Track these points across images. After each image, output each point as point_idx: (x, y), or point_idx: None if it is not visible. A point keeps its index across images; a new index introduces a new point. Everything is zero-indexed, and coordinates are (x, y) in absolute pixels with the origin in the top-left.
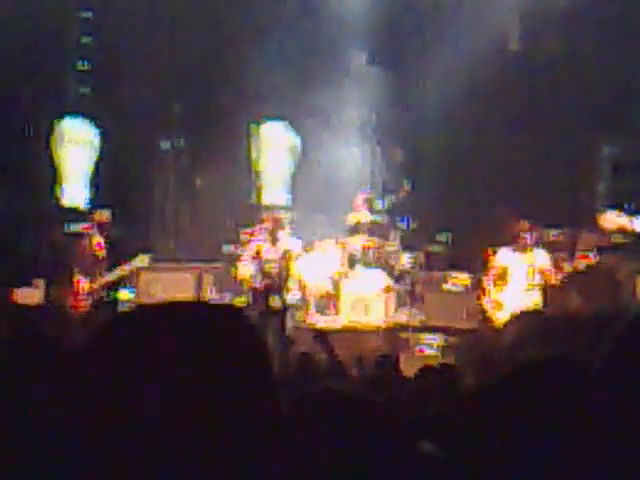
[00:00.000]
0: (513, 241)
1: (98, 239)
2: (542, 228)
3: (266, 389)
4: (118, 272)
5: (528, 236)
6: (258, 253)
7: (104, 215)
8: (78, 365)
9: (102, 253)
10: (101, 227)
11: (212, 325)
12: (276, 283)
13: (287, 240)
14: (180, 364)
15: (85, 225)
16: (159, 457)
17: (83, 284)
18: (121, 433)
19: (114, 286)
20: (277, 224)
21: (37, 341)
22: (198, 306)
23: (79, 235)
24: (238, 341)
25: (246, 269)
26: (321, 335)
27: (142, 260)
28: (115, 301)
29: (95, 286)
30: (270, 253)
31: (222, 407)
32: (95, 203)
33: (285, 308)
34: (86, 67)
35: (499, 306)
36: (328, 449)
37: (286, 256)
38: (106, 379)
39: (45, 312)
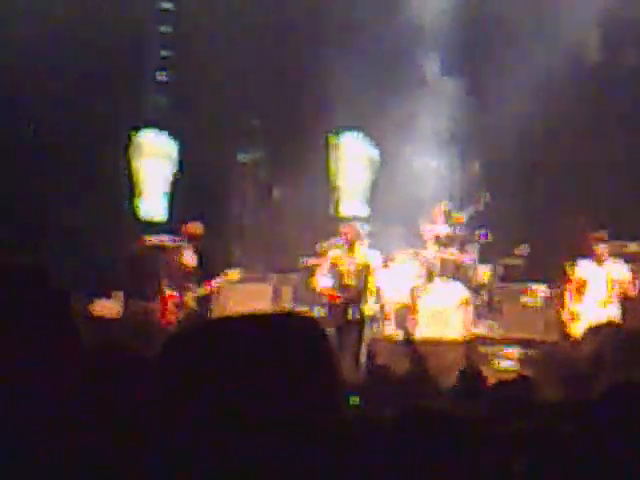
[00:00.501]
0: (590, 253)
1: (189, 252)
2: (622, 240)
3: (328, 398)
4: (211, 285)
5: (604, 247)
6: (335, 265)
7: (197, 228)
8: (157, 375)
9: (192, 266)
10: (192, 240)
11: (283, 334)
12: (354, 295)
13: (365, 252)
14: (247, 372)
15: (166, 237)
16: (230, 462)
17: (172, 297)
18: (199, 440)
19: (205, 299)
20: (355, 236)
21: (118, 354)
22: (270, 316)
23: (168, 248)
24: (306, 350)
25: (323, 281)
26: (410, 344)
27: (234, 275)
28: (208, 314)
29: (186, 299)
30: (348, 265)
31: (284, 411)
32: (174, 216)
33: (363, 320)
34: (165, 78)
35: (576, 318)
36: (429, 466)
37: (364, 268)
38: (182, 388)
39: (126, 325)
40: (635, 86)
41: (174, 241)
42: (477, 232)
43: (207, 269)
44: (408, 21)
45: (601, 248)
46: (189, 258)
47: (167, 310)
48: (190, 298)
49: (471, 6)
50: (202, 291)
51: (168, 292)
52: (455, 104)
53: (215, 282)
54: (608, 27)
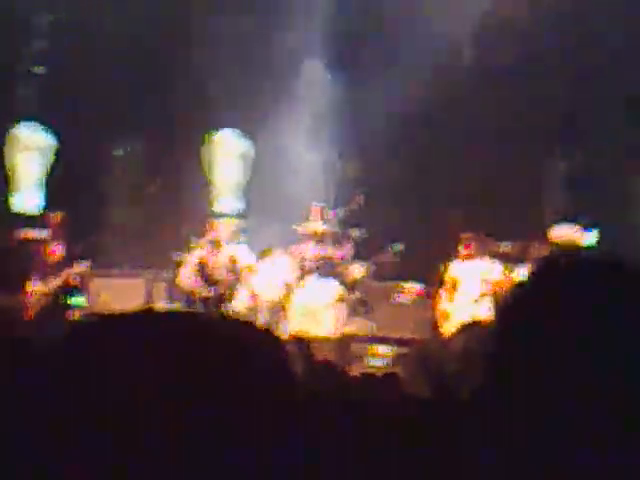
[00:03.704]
0: (461, 253)
1: (53, 244)
2: (493, 240)
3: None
4: (61, 278)
5: (476, 247)
6: (202, 261)
7: (57, 218)
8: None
9: (57, 259)
10: (55, 231)
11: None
12: (225, 292)
13: (234, 248)
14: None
15: (39, 230)
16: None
17: (34, 291)
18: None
19: (64, 291)
20: (220, 233)
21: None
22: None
23: (34, 241)
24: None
25: (186, 277)
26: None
27: (82, 266)
28: (66, 306)
29: (44, 291)
30: (215, 261)
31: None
32: (48, 208)
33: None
34: (40, 71)
35: (447, 317)
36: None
37: (233, 263)
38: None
39: None
40: (507, 87)
41: (44, 234)
42: (351, 229)
43: (68, 261)
44: (289, 13)
45: (474, 247)
46: (55, 250)
47: (29, 303)
48: (47, 289)
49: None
50: (54, 282)
51: (31, 285)
52: (332, 103)
53: (64, 274)
54: (481, 28)
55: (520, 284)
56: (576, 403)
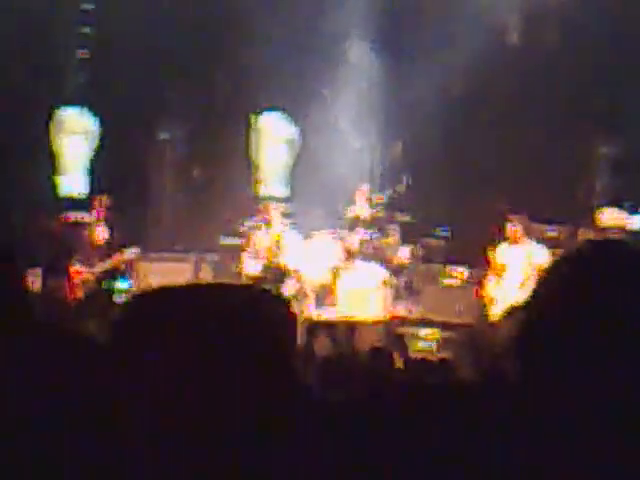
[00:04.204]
0: (508, 236)
1: (98, 228)
2: (540, 224)
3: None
4: (110, 262)
5: (523, 230)
6: (258, 246)
7: (104, 201)
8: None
9: (102, 242)
10: (101, 215)
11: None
12: (273, 273)
13: (283, 230)
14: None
15: (85, 214)
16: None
17: (79, 273)
18: (149, 416)
19: (109, 276)
20: (272, 215)
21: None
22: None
23: (78, 224)
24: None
25: (250, 263)
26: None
27: (133, 252)
28: (111, 291)
29: (89, 275)
30: (268, 244)
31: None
32: (93, 193)
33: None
34: (85, 55)
35: (494, 301)
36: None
37: (279, 244)
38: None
39: (40, 300)
40: (555, 71)
41: (89, 217)
42: (397, 214)
43: (119, 245)
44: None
45: (520, 231)
46: (100, 233)
47: (74, 286)
48: (93, 274)
49: None
50: (103, 267)
51: (76, 268)
52: (376, 86)
53: (114, 259)
54: (529, 11)
55: (554, 269)
56: (605, 395)
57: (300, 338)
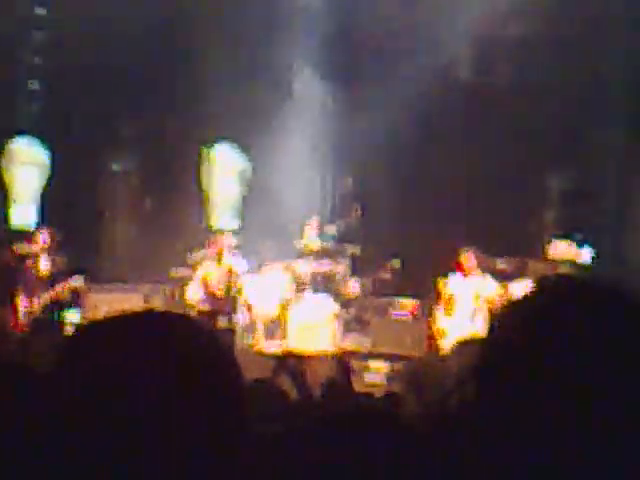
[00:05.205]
0: (458, 269)
1: (43, 259)
2: (490, 256)
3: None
4: (53, 292)
5: (472, 263)
6: (205, 276)
7: (48, 234)
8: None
9: (47, 274)
10: (45, 247)
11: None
12: (223, 305)
13: (232, 261)
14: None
15: (31, 245)
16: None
17: (24, 305)
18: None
19: (56, 307)
20: (223, 247)
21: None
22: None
23: (25, 256)
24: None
25: (194, 293)
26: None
27: (76, 280)
28: (61, 322)
29: (34, 306)
30: (216, 275)
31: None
32: (43, 223)
33: (233, 330)
34: (36, 86)
35: (443, 333)
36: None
37: (230, 276)
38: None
39: None
40: (508, 103)
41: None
42: (347, 246)
43: (63, 275)
44: (280, 29)
45: (470, 263)
46: (44, 265)
47: (18, 317)
48: (36, 305)
49: (343, 20)
50: (47, 297)
51: (19, 299)
52: (330, 117)
53: (57, 288)
54: (480, 45)
55: (516, 302)
56: (567, 422)
57: (254, 372)
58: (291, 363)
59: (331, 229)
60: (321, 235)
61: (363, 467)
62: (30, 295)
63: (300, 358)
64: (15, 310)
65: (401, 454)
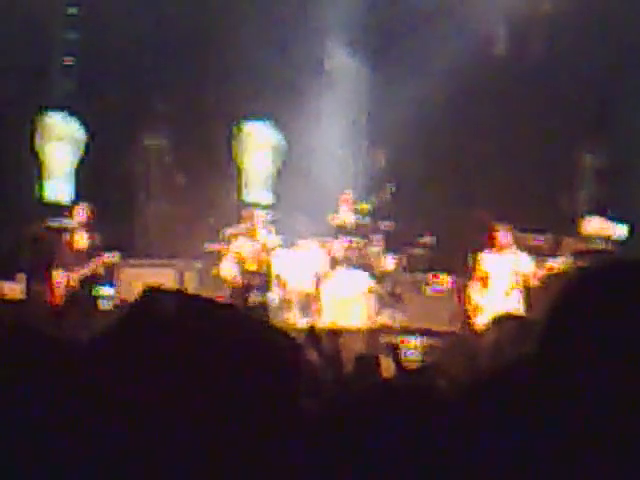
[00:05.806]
0: (492, 244)
1: (79, 234)
2: (524, 232)
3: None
4: (89, 267)
5: (507, 239)
6: (238, 251)
7: (87, 210)
8: (87, 364)
9: (83, 249)
10: (82, 221)
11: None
12: (256, 280)
13: (267, 237)
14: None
15: (67, 220)
16: (168, 457)
17: (61, 279)
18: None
19: (91, 281)
20: (257, 222)
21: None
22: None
23: (61, 230)
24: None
25: (228, 268)
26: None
27: (110, 256)
28: (95, 297)
29: (70, 281)
30: (250, 251)
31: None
32: (78, 199)
33: (266, 306)
34: (71, 62)
35: (479, 310)
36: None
37: (264, 251)
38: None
39: (23, 306)
40: (540, 80)
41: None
42: (381, 222)
43: (98, 252)
44: (314, 6)
45: (504, 240)
46: (81, 240)
47: (54, 291)
48: (72, 279)
49: None
50: (83, 272)
51: (56, 273)
52: (363, 93)
53: (93, 263)
54: (515, 22)
55: (569, 286)
56: (615, 408)
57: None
58: (323, 338)
59: (365, 205)
60: (355, 210)
61: (396, 441)
62: (66, 269)
63: (334, 333)
64: (51, 284)
65: (434, 427)
